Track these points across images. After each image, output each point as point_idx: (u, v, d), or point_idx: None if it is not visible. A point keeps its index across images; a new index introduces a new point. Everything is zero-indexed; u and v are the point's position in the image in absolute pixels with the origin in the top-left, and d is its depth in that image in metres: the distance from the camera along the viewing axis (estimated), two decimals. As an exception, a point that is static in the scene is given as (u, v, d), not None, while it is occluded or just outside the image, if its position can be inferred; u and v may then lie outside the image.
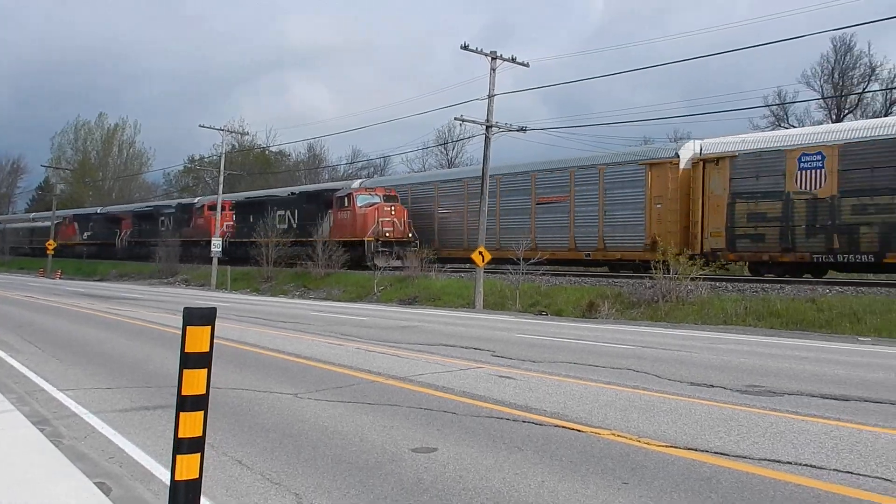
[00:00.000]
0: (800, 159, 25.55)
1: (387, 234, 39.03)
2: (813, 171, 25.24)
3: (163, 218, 60.46)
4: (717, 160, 28.21)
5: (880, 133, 24.45)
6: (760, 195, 26.70)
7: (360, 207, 39.88)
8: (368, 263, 37.55)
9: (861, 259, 24.39)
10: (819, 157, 25.11)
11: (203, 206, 56.10)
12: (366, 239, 38.98)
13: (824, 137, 25.67)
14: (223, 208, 49.98)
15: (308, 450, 7.00)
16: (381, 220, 39.06)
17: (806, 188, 25.36)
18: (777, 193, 26.20)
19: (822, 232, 25.01)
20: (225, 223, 50.50)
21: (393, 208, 39.66)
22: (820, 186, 25.01)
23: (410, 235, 39.09)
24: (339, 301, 33.67)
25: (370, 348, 14.71)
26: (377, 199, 39.88)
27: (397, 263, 37.19)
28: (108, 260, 65.34)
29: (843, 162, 24.56)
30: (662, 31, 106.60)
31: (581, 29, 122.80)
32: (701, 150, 29.46)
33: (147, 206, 70.66)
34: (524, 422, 7.96)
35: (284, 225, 45.12)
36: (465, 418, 8.18)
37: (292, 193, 49.44)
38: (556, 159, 35.82)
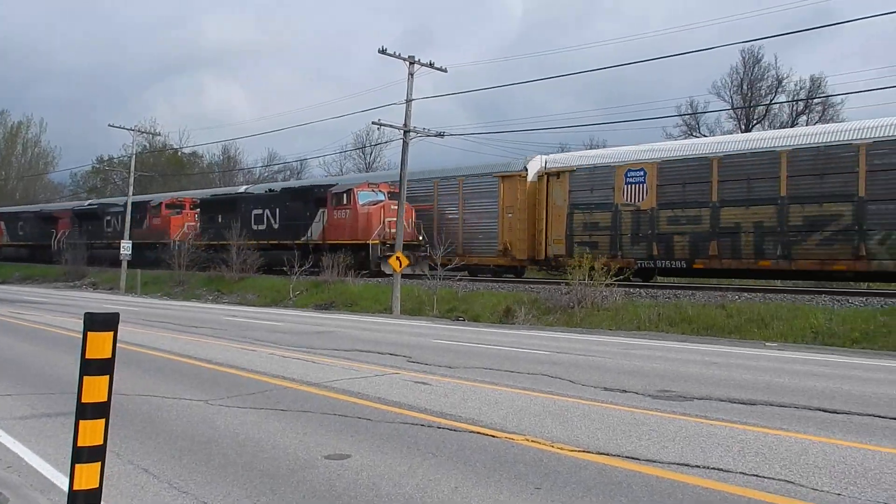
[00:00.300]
0: (626, 174, 28.36)
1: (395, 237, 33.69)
2: (637, 185, 28.01)
3: (109, 217, 54.22)
4: (558, 174, 30.83)
5: (690, 153, 27.61)
6: (594, 206, 29.39)
7: (363, 206, 34.53)
8: (374, 270, 33.58)
9: (676, 265, 27.26)
10: (642, 174, 27.99)
11: (160, 203, 49.76)
12: (370, 242, 33.79)
13: (647, 155, 28.43)
14: (182, 206, 46.93)
15: (218, 457, 6.84)
16: (387, 220, 33.49)
17: (631, 201, 28.05)
18: (608, 205, 28.88)
19: (644, 240, 27.79)
20: (186, 223, 46.82)
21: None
22: (642, 199, 27.77)
23: (421, 238, 33.90)
24: (254, 306, 33.19)
25: (284, 354, 14.51)
26: (382, 197, 34.72)
27: (408, 270, 31.26)
28: (40, 264, 58.54)
29: (660, 178, 27.40)
30: (581, 40, 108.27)
31: (501, 36, 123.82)
32: (546, 164, 32.18)
33: (90, 204, 62.74)
34: (439, 428, 7.93)
35: (262, 226, 40.21)
36: (379, 424, 8.11)
37: (270, 190, 44.46)
38: (422, 170, 36.90)
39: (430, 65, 30.59)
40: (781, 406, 9.34)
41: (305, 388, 10.47)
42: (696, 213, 26.31)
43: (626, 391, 10.40)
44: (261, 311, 29.12)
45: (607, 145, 54.99)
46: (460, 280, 28.75)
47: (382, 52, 29.48)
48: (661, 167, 27.29)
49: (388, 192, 34.43)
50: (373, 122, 31.22)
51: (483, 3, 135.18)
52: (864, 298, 20.38)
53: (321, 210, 36.70)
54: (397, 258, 28.60)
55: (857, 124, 24.47)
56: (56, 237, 59.27)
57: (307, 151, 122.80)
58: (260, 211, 40.77)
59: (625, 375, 11.94)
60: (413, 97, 30.07)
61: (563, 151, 50.40)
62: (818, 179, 23.83)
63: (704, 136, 54.39)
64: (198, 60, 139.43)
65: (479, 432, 7.71)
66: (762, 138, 27.33)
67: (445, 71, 31.36)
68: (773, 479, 6.09)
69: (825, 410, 9.06)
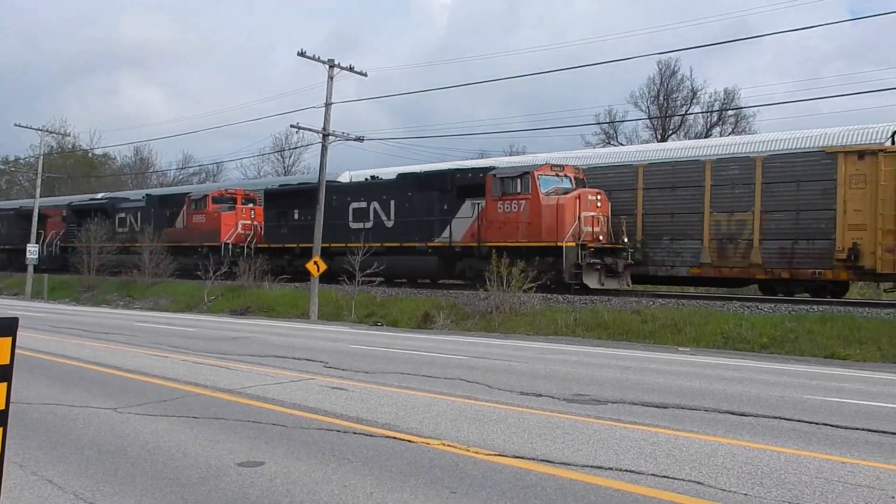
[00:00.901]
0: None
1: (596, 238, 25.49)
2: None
3: (123, 214, 44.57)
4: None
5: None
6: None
7: (548, 195, 25.67)
8: (569, 283, 25.12)
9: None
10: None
11: (205, 197, 39.87)
12: (564, 244, 24.72)
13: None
14: (234, 200, 38.94)
15: (126, 467, 6.64)
16: (583, 215, 25.11)
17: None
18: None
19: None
20: (240, 221, 38.16)
21: (598, 199, 26.04)
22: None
23: (626, 240, 26.09)
24: (167, 311, 32.51)
25: (197, 360, 14.22)
26: (568, 184, 26.47)
27: (614, 285, 25.66)
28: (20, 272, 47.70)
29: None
30: (505, 48, 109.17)
31: (426, 42, 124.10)
32: (351, 178, 37.38)
33: (94, 199, 52.49)
34: (355, 433, 7.87)
35: (366, 222, 31.27)
36: (294, 431, 8.01)
37: (372, 177, 35.64)
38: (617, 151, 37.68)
39: (350, 69, 30.45)
40: (692, 409, 9.54)
41: (218, 395, 10.27)
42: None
43: (541, 395, 10.48)
44: (174, 317, 28.53)
45: (527, 152, 55.79)
46: (378, 285, 28.62)
47: (302, 54, 29.22)
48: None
49: (574, 178, 26.82)
50: (291, 126, 30.91)
51: (408, 10, 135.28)
52: (772, 305, 21.00)
53: (469, 202, 27.72)
54: (315, 263, 28.33)
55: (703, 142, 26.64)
56: (45, 239, 49.15)
57: (224, 154, 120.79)
58: (362, 204, 31.85)
59: (541, 380, 12.04)
60: (333, 101, 29.91)
61: (482, 157, 50.90)
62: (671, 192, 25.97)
63: (622, 144, 55.47)
64: (114, 60, 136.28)
65: (395, 437, 7.66)
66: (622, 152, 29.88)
67: (365, 75, 31.35)
68: (683, 479, 6.21)
69: (734, 413, 9.28)
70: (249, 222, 38.29)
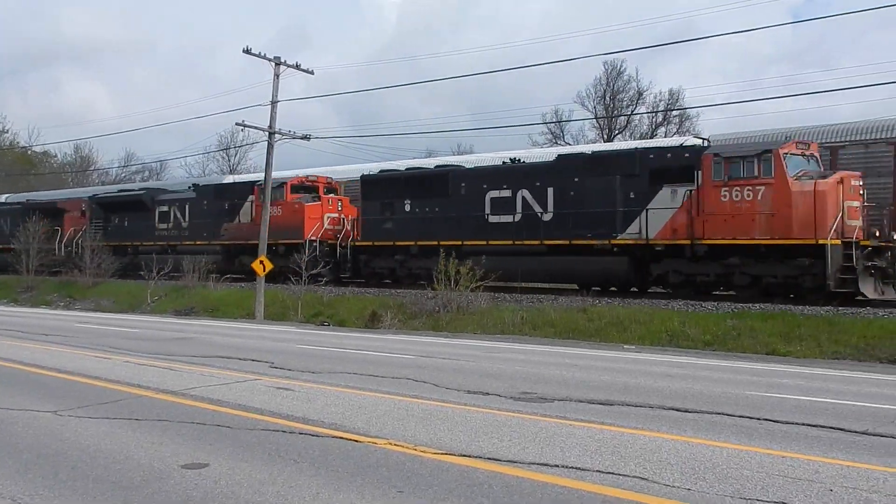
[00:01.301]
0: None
1: (871, 235, 20.91)
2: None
3: (165, 208, 38.12)
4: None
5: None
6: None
7: (798, 179, 20.60)
8: (834, 291, 20.08)
9: None
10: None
11: (283, 185, 32.68)
12: (828, 242, 19.63)
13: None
14: (316, 189, 33.02)
15: (66, 470, 6.51)
16: (847, 205, 20.39)
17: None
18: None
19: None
20: (327, 214, 31.91)
21: (861, 185, 21.18)
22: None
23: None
24: (110, 312, 31.90)
25: (141, 361, 14.00)
26: (815, 166, 21.78)
27: (893, 294, 20.76)
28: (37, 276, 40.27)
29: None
30: (454, 48, 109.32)
31: (376, 41, 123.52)
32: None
33: (124, 191, 45.32)
34: (301, 434, 7.81)
35: (511, 214, 25.85)
36: (239, 432, 7.92)
37: (513, 160, 28.76)
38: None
39: (297, 66, 30.20)
40: (637, 406, 9.64)
41: (162, 397, 10.12)
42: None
43: (488, 394, 10.51)
44: (116, 318, 28.02)
45: (474, 151, 55.93)
46: (325, 285, 28.43)
47: (247, 52, 28.90)
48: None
49: (818, 158, 22.18)
50: (237, 124, 30.57)
51: (358, 9, 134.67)
52: (715, 303, 21.28)
53: (669, 188, 22.55)
54: (261, 262, 28.06)
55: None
56: (61, 237, 42.58)
57: (168, 152, 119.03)
58: (504, 192, 26.15)
59: (488, 378, 12.07)
60: (279, 99, 29.66)
61: (430, 157, 50.86)
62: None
63: (568, 143, 55.87)
64: (56, 55, 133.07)
65: (341, 437, 7.63)
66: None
67: (312, 73, 31.11)
68: (628, 476, 6.27)
69: (678, 410, 9.40)
70: (337, 215, 32.02)
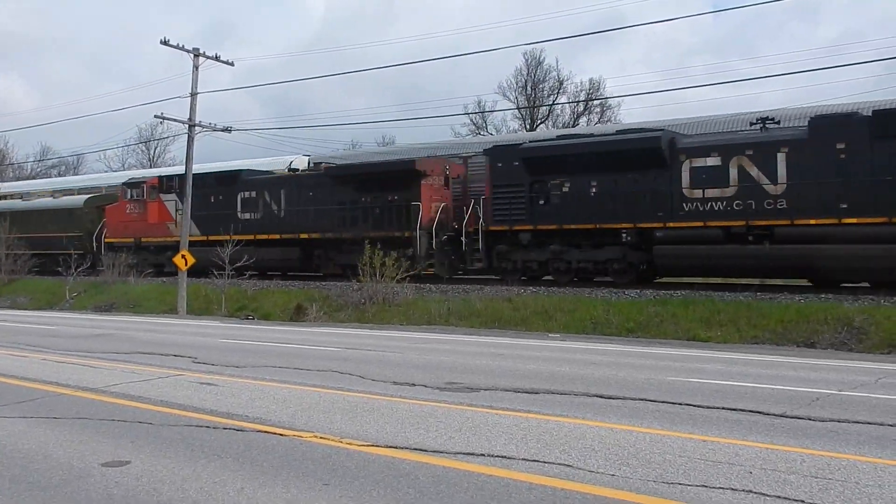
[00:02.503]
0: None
1: None
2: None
3: (254, 193, 30.16)
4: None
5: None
6: None
7: None
8: None
9: None
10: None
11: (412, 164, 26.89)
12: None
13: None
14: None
15: (-20, 472, 6.31)
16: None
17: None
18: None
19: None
20: (435, 200, 26.29)
21: None
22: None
23: None
24: (26, 309, 31.02)
25: (59, 359, 13.64)
26: None
27: None
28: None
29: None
30: (380, 38, 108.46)
31: (303, 32, 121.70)
32: None
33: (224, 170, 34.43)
34: (225, 429, 7.70)
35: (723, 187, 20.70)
36: (161, 428, 7.78)
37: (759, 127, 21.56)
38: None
39: (216, 58, 29.62)
40: (562, 394, 9.75)
41: (81, 394, 9.88)
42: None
43: (414, 385, 10.52)
44: (33, 315, 27.27)
45: (395, 142, 55.82)
46: (250, 278, 28.06)
47: (165, 43, 28.24)
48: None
49: None
50: (155, 116, 29.89)
51: (284, 1, 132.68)
52: (638, 291, 21.64)
53: None
54: (182, 256, 27.56)
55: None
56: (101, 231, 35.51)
57: (86, 146, 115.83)
58: (714, 160, 20.89)
59: (414, 369, 12.08)
60: (199, 91, 29.10)
61: (354, 148, 50.51)
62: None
63: (491, 134, 56.12)
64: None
65: (266, 431, 7.55)
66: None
67: (232, 64, 30.60)
68: (553, 463, 6.34)
69: (602, 396, 9.54)
70: (440, 202, 26.46)
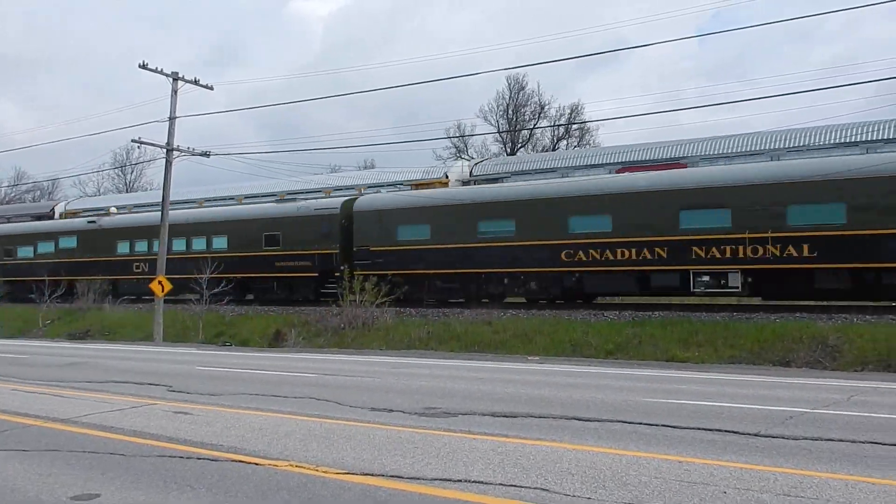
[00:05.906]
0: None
1: None
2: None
3: None
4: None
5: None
6: None
7: None
8: None
9: None
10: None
11: None
12: None
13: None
14: None
15: (-55, 508, 6.18)
16: None
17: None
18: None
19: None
20: None
21: None
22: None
23: None
24: (-2, 338, 30.65)
25: (30, 389, 13.43)
26: None
27: None
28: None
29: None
30: (379, 61, 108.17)
31: (302, 55, 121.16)
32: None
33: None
34: (199, 459, 7.58)
35: None
36: (133, 459, 7.65)
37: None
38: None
39: (196, 82, 29.60)
40: (540, 417, 9.71)
41: (52, 425, 9.71)
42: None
43: (392, 410, 10.43)
44: (3, 343, 26.90)
45: (377, 166, 55.75)
46: (227, 304, 27.88)
47: (143, 67, 28.26)
48: None
49: None
50: (133, 140, 29.80)
51: (284, 24, 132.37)
52: (617, 312, 21.70)
53: None
54: (159, 283, 27.36)
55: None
56: None
57: (60, 170, 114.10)
58: None
59: (392, 394, 11.99)
60: (178, 115, 29.00)
61: (334, 171, 50.35)
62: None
63: (472, 158, 56.30)
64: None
65: (241, 461, 7.44)
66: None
67: (211, 88, 30.55)
68: (530, 487, 6.28)
69: (580, 419, 9.50)
70: None
